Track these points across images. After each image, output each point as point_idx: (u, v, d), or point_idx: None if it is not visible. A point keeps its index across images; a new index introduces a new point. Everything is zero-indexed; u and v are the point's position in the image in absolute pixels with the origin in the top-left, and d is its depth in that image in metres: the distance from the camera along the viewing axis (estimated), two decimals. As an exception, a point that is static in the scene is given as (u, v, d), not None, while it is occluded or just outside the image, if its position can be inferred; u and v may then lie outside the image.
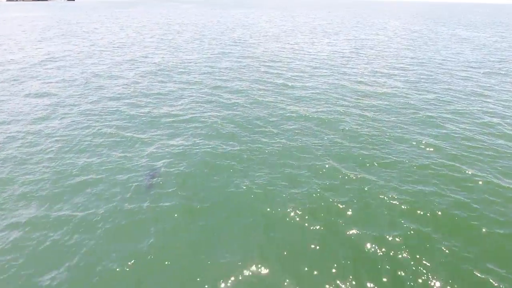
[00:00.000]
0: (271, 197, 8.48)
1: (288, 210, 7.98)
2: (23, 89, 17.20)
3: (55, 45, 31.27)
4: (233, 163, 9.94)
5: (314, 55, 26.44)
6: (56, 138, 11.61)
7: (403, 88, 17.39)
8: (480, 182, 8.89)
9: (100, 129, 12.34)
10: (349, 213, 7.84)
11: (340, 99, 15.59)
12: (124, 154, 10.60)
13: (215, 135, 11.80)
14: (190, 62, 23.56)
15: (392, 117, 13.38)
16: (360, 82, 18.51)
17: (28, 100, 15.53)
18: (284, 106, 14.54)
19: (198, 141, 11.34)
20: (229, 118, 13.24)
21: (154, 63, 23.43)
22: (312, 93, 16.45)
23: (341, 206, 8.03)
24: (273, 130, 12.21)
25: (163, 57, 25.42)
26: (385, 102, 15.06)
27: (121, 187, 8.92)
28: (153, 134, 11.98)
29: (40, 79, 19.03)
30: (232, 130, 12.17)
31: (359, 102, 15.08)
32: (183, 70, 21.17)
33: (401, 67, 22.45)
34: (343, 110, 14.05)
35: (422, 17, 79.53)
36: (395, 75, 20.22)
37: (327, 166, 9.70)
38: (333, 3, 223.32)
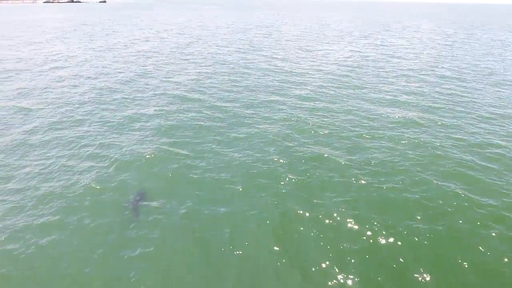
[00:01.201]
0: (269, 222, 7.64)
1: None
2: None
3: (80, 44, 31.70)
4: (235, 186, 9.00)
5: (341, 62, 24.99)
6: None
7: (446, 104, 15.69)
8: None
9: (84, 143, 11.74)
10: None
11: (370, 117, 14.22)
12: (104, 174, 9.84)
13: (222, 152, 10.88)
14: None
15: (439, 142, 11.89)
16: (393, 97, 16.97)
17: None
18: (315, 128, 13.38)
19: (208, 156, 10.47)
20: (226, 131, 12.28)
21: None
22: (341, 107, 15.17)
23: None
24: (274, 152, 11.11)
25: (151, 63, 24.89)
26: (431, 124, 13.48)
27: (105, 216, 8.07)
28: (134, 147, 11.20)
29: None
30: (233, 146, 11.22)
31: (394, 120, 13.66)
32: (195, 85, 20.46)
33: (439, 80, 20.59)
34: (371, 132, 12.71)
35: (447, 19, 75.27)
36: (432, 86, 18.49)
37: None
38: (338, 4, 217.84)
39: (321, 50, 30.28)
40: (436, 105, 15.18)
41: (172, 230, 7.70)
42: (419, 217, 7.85)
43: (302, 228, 7.65)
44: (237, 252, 7.05)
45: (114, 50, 30.76)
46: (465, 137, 11.86)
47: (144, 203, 8.53)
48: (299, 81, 19.37)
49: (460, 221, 7.72)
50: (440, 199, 8.43)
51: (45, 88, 18.23)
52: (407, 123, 13.11)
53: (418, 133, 12.25)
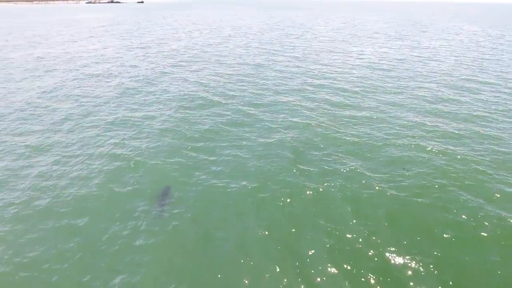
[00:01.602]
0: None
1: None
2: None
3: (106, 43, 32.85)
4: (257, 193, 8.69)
5: (374, 65, 23.99)
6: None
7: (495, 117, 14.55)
8: None
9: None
10: None
11: (408, 124, 13.42)
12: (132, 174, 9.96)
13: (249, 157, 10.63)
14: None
15: (480, 156, 10.98)
16: (431, 104, 15.97)
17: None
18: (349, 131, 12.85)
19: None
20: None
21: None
22: (374, 114, 14.47)
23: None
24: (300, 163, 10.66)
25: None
26: (472, 135, 12.55)
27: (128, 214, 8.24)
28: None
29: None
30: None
31: (429, 128, 12.81)
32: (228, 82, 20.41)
33: (482, 86, 19.16)
34: (408, 142, 11.96)
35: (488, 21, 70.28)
36: (481, 95, 17.21)
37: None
38: (374, 4, 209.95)
39: (353, 52, 29.30)
40: (478, 114, 14.06)
41: (188, 229, 7.80)
42: (449, 241, 7.18)
43: (314, 242, 7.25)
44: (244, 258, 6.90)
45: (145, 48, 31.65)
46: (510, 151, 10.85)
47: (168, 201, 8.70)
48: (329, 85, 18.76)
49: (497, 255, 6.89)
50: (474, 221, 7.69)
51: (74, 85, 18.99)
52: (446, 133, 12.20)
53: (457, 144, 11.36)
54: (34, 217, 8.24)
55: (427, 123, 13.21)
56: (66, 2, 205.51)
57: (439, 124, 13.11)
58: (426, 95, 16.72)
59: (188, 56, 27.68)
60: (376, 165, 10.12)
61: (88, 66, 24.16)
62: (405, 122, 13.28)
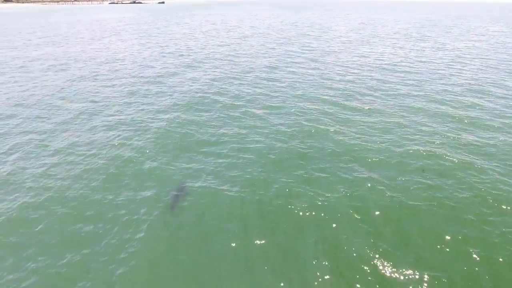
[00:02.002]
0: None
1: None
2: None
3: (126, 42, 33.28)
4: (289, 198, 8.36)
5: (395, 67, 23.18)
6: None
7: None
8: None
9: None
10: None
11: (433, 131, 12.77)
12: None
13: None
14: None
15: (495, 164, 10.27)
16: (456, 110, 15.19)
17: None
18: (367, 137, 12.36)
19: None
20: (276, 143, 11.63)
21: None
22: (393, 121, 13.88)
23: None
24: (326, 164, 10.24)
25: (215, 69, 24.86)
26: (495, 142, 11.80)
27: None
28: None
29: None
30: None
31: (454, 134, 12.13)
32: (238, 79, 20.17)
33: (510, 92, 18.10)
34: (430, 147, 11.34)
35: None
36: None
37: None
38: (395, 4, 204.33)
39: (373, 53, 28.47)
40: (506, 122, 13.22)
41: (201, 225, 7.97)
42: (472, 259, 6.65)
43: (318, 252, 6.88)
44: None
45: (163, 47, 31.91)
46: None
47: (183, 196, 8.86)
48: (347, 87, 18.18)
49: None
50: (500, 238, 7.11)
51: (88, 83, 19.26)
52: (470, 142, 11.50)
53: (482, 154, 10.63)
54: (53, 205, 8.56)
55: (450, 129, 12.51)
56: (90, 2, 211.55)
57: (462, 131, 12.39)
58: (450, 99, 15.92)
59: (203, 56, 27.67)
60: (392, 173, 9.62)
61: (105, 64, 24.54)
62: (426, 128, 12.62)
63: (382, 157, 10.54)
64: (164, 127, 13.19)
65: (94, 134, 12.79)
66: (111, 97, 17.17)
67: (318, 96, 16.77)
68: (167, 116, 14.36)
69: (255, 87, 18.51)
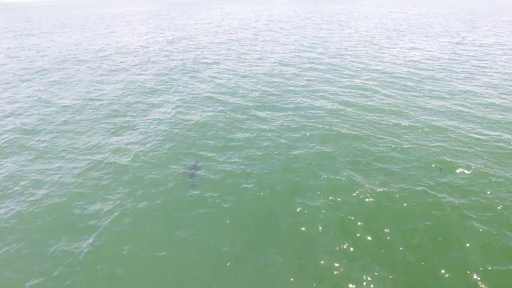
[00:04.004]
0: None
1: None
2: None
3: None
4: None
5: (418, 64, 22.12)
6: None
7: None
8: None
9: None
10: None
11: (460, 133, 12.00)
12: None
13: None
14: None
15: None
16: (485, 114, 14.27)
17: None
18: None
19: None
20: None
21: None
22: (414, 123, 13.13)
23: None
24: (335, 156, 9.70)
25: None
26: None
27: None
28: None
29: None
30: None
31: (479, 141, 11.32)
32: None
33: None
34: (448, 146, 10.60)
35: None
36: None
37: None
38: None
39: (395, 49, 27.34)
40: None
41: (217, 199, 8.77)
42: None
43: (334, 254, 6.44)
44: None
45: (173, 42, 31.98)
46: None
47: (198, 171, 9.84)
48: (367, 87, 17.47)
49: None
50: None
51: (99, 76, 19.23)
52: (497, 152, 10.69)
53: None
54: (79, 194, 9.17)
55: (481, 136, 11.69)
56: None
57: (493, 139, 11.55)
58: (480, 102, 14.96)
59: (216, 52, 27.29)
60: (411, 182, 9.03)
61: (118, 56, 24.55)
62: (455, 136, 11.86)
63: (404, 165, 9.95)
64: (165, 126, 12.96)
65: (101, 123, 12.67)
66: (116, 92, 17.07)
67: (337, 96, 16.15)
68: (175, 111, 14.13)
69: (270, 86, 18.00)
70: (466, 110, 13.93)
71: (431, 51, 26.53)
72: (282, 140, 11.68)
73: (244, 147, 11.24)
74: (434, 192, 8.66)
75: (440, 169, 9.54)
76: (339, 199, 8.55)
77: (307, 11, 71.37)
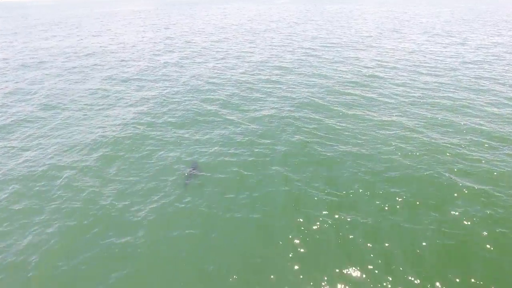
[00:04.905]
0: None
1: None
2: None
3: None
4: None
5: (424, 66, 21.25)
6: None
7: None
8: None
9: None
10: None
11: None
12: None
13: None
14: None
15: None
16: (495, 120, 13.44)
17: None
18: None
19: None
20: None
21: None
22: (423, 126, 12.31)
23: None
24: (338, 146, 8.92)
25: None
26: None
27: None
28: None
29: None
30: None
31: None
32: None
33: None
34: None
35: None
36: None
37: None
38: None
39: (398, 50, 26.48)
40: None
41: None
42: None
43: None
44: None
45: (171, 39, 31.65)
46: None
47: (196, 173, 9.74)
48: (373, 88, 16.64)
49: None
50: None
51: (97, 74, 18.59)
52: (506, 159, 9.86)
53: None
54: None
55: (494, 145, 10.85)
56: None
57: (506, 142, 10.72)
58: (489, 110, 14.07)
59: (217, 52, 26.61)
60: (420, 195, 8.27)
61: (116, 54, 23.89)
62: (465, 143, 11.01)
63: (416, 176, 9.14)
64: (169, 124, 12.25)
65: (105, 119, 11.97)
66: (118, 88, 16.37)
67: (341, 99, 15.39)
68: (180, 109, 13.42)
69: (274, 88, 17.24)
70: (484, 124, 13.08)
71: (433, 51, 25.66)
72: (279, 147, 10.96)
73: (242, 152, 10.73)
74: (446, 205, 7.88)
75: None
76: (342, 209, 7.88)
77: (306, 9, 70.66)
